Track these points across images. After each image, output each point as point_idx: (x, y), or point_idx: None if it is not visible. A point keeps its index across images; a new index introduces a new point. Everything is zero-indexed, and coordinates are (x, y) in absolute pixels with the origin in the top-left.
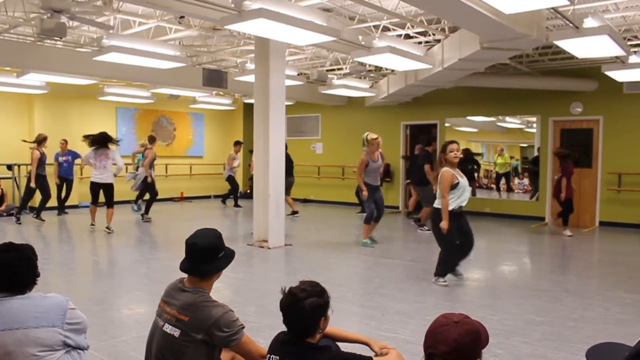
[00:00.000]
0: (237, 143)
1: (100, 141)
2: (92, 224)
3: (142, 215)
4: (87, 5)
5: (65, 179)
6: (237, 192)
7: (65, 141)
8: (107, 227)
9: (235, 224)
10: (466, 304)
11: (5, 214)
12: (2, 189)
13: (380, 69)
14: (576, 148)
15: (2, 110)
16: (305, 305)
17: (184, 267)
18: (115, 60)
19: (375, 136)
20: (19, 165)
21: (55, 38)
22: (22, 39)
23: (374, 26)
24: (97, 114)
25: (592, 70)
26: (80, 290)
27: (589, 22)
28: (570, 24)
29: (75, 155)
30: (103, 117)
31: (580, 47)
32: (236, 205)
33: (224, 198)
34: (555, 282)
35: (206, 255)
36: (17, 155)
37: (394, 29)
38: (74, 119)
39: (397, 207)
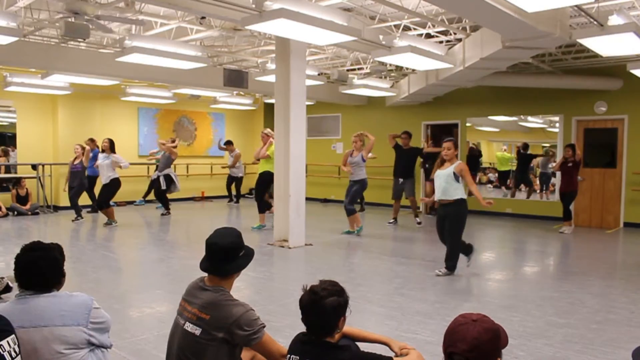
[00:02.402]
0: (227, 143)
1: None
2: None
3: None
4: (109, 7)
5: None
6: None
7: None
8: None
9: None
10: (487, 305)
11: (30, 212)
12: (27, 189)
13: (401, 68)
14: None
15: (27, 111)
16: (326, 304)
17: (204, 266)
18: (137, 61)
19: (354, 138)
20: (43, 165)
21: (79, 39)
22: (47, 41)
23: (395, 25)
24: (119, 114)
25: (616, 68)
26: (102, 289)
27: (614, 20)
28: (595, 22)
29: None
30: (125, 117)
31: (605, 45)
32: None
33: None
34: (578, 284)
35: (227, 255)
36: (41, 155)
37: (414, 29)
38: (97, 119)
39: (418, 207)
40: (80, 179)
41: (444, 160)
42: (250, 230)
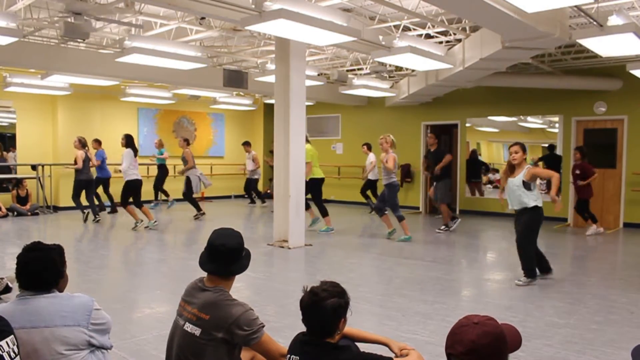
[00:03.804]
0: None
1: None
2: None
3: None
4: (109, 8)
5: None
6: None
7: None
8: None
9: (254, 224)
10: (487, 305)
11: (29, 213)
12: (27, 189)
13: (401, 69)
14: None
15: (27, 111)
16: (326, 305)
17: (208, 267)
18: (136, 61)
19: (380, 140)
20: (43, 166)
21: (78, 40)
22: (47, 42)
23: (395, 26)
24: (119, 114)
25: (616, 68)
26: (102, 289)
27: (614, 20)
28: (594, 22)
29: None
30: (125, 118)
31: (605, 46)
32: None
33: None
34: (578, 284)
35: (232, 256)
36: (41, 155)
37: (414, 29)
38: (97, 119)
39: (418, 208)
40: (76, 175)
41: (513, 166)
42: (318, 233)
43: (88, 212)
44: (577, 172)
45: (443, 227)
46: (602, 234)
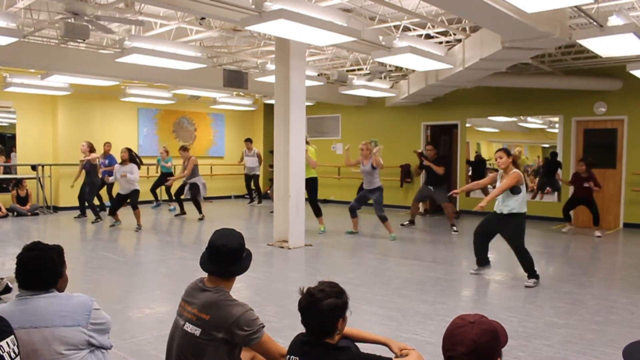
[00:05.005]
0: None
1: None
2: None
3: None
4: (109, 8)
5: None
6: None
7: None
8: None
9: (254, 224)
10: (487, 306)
11: (29, 213)
12: (27, 189)
13: (401, 69)
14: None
15: (27, 112)
16: (323, 306)
17: (209, 268)
18: (137, 61)
19: (361, 145)
20: (43, 166)
21: (78, 40)
22: (47, 42)
23: (395, 26)
24: (119, 114)
25: (616, 69)
26: (102, 289)
27: (614, 20)
28: (594, 23)
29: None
30: (125, 118)
31: (605, 46)
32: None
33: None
34: (578, 285)
35: (233, 257)
36: (41, 155)
37: (414, 29)
38: (97, 119)
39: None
40: (91, 178)
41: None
42: (318, 233)
43: (97, 217)
44: (587, 184)
45: (408, 222)
46: (575, 234)
